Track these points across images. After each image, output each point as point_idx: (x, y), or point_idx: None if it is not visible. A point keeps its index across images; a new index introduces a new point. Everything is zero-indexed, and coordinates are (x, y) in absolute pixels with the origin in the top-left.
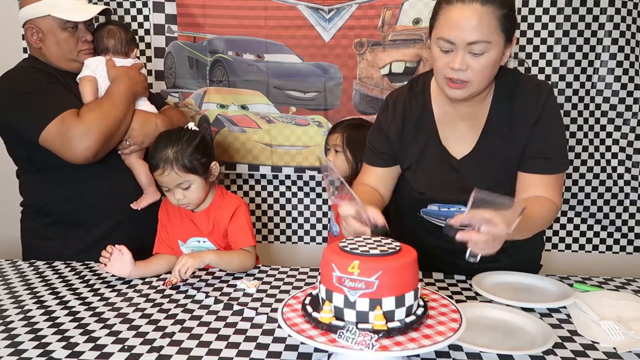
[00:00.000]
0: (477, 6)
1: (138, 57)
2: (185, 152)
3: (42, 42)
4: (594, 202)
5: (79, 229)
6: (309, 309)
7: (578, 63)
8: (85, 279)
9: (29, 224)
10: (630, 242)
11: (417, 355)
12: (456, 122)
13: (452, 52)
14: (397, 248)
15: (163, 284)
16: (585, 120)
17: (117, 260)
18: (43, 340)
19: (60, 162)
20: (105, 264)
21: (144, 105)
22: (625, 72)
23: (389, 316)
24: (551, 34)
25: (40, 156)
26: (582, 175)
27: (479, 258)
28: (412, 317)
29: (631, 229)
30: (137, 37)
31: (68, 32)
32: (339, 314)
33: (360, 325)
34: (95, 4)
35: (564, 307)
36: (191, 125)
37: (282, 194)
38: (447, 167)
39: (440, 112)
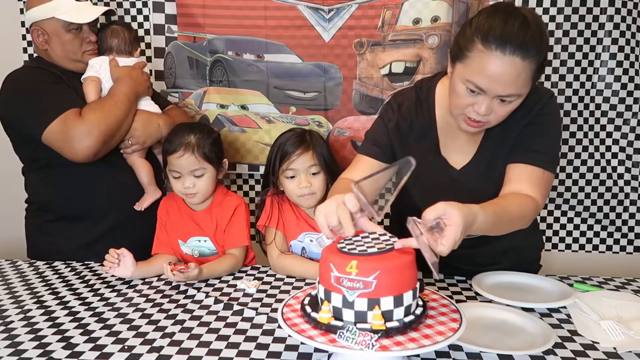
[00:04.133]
0: (517, 60)
1: (143, 54)
2: (207, 140)
3: (48, 44)
4: (594, 202)
5: (81, 225)
6: (308, 309)
7: (578, 63)
8: (85, 279)
9: (32, 221)
10: (630, 242)
11: (417, 355)
12: (458, 133)
13: (479, 94)
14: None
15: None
16: (585, 120)
17: (120, 262)
18: (43, 341)
19: (62, 159)
20: (110, 267)
21: (147, 105)
22: (625, 72)
23: (387, 316)
24: (551, 34)
25: (43, 154)
26: (582, 175)
27: (436, 274)
28: (411, 317)
29: (631, 229)
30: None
31: (72, 33)
32: (337, 314)
33: (358, 325)
34: (96, 3)
35: (564, 307)
36: None
37: None
38: (446, 177)
39: (443, 122)
